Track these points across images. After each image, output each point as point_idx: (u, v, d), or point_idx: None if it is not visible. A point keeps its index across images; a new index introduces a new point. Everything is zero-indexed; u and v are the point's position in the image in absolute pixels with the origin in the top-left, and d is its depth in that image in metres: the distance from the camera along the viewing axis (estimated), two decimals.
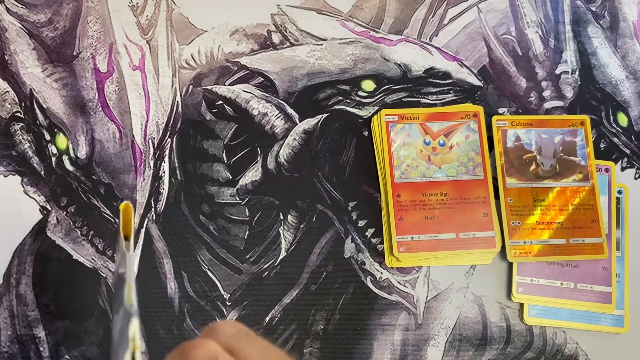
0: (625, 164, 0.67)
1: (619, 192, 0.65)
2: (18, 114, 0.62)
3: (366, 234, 0.63)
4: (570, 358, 0.62)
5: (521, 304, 0.62)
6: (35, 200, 0.61)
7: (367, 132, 0.65)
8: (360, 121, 0.65)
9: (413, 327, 0.61)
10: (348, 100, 0.65)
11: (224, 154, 0.63)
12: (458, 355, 0.61)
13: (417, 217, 0.60)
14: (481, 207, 0.61)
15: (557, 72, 0.68)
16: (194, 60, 0.65)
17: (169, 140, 0.63)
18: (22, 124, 0.62)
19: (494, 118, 0.64)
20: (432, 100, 0.66)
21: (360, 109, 0.65)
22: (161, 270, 0.61)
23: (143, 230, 0.61)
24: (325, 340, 0.61)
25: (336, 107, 0.65)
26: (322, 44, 0.66)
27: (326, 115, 0.65)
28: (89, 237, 0.60)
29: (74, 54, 0.63)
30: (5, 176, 0.61)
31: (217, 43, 0.66)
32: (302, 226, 0.63)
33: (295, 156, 0.63)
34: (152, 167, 0.62)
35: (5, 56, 0.63)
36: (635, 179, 0.67)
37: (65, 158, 0.61)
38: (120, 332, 0.33)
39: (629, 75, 0.69)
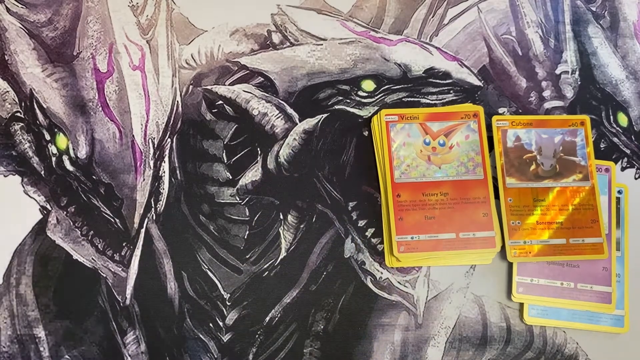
0: (625, 164, 0.67)
1: (619, 192, 0.65)
2: (18, 114, 0.62)
3: (366, 234, 0.63)
4: (570, 358, 0.62)
5: (521, 304, 0.62)
6: (35, 200, 0.61)
7: (367, 132, 0.65)
8: (360, 121, 0.65)
9: (413, 327, 0.61)
10: (348, 100, 0.65)
11: (224, 154, 0.63)
12: (458, 355, 0.61)
13: (417, 217, 0.60)
14: (481, 207, 0.61)
15: (557, 72, 0.68)
16: (194, 60, 0.65)
17: (169, 140, 0.63)
18: (22, 124, 0.62)
19: (494, 118, 0.64)
20: (432, 100, 0.66)
21: (360, 109, 0.65)
22: (161, 270, 0.61)
23: (143, 230, 0.61)
24: (325, 340, 0.61)
25: (336, 107, 0.65)
26: (322, 44, 0.66)
27: (326, 115, 0.65)
28: (89, 237, 0.61)
29: (74, 54, 0.63)
30: (5, 176, 0.61)
31: (217, 43, 0.66)
32: (302, 226, 0.63)
33: (295, 156, 0.64)
34: (152, 167, 0.62)
35: (5, 56, 0.63)
36: (636, 179, 0.67)
37: (65, 158, 0.62)
38: None
39: (629, 75, 0.69)
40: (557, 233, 0.62)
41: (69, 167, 0.61)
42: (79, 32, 0.64)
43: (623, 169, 0.67)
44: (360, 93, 0.65)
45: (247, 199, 0.63)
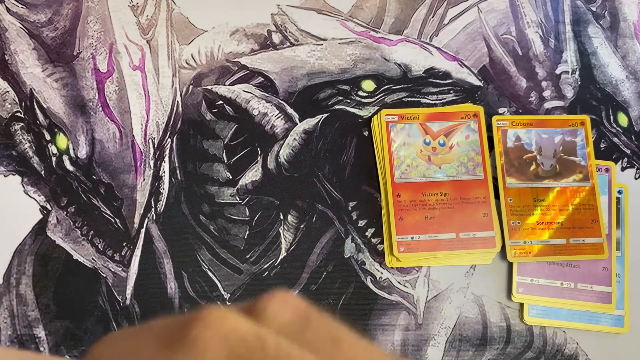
0: (626, 164, 0.67)
1: (619, 192, 0.65)
2: (18, 114, 0.62)
3: (366, 234, 0.63)
4: (570, 358, 0.62)
5: (521, 304, 0.62)
6: (35, 200, 0.61)
7: (367, 132, 0.65)
8: (360, 121, 0.65)
9: (413, 327, 0.61)
10: (348, 100, 0.65)
11: (224, 154, 0.63)
12: (458, 355, 0.61)
13: (417, 217, 0.60)
14: (481, 207, 0.61)
15: (557, 72, 0.68)
16: (194, 60, 0.65)
17: (169, 140, 0.63)
18: (22, 124, 0.62)
19: (494, 118, 0.64)
20: (432, 100, 0.66)
21: (360, 109, 0.65)
22: (161, 270, 0.61)
23: (143, 230, 0.61)
24: None
25: (336, 107, 0.65)
26: (322, 44, 0.66)
27: (326, 115, 0.65)
28: (89, 237, 0.60)
29: (74, 54, 0.63)
30: (5, 176, 0.61)
31: (217, 43, 0.66)
32: (302, 226, 0.63)
33: (295, 156, 0.64)
34: (152, 167, 0.62)
35: (6, 56, 0.63)
36: (636, 179, 0.67)
37: (65, 158, 0.61)
38: None
39: (629, 75, 0.69)
40: (557, 233, 0.62)
41: (69, 167, 0.61)
42: (79, 32, 0.64)
43: (623, 169, 0.67)
44: (360, 93, 0.65)
45: (247, 199, 0.63)
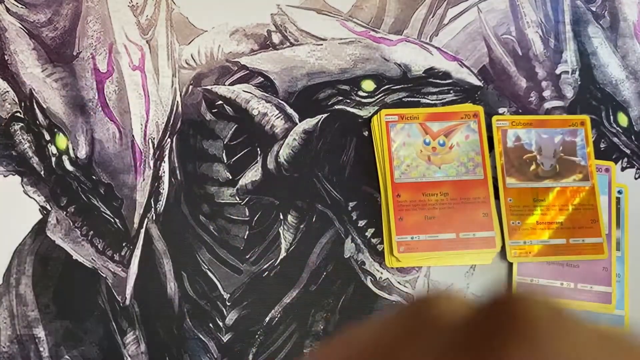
0: (625, 164, 0.67)
1: (619, 192, 0.65)
2: (18, 114, 0.62)
3: (366, 234, 0.63)
4: None
5: None
6: (35, 200, 0.61)
7: (367, 132, 0.65)
8: (360, 121, 0.65)
9: None
10: (348, 100, 0.65)
11: (223, 154, 0.63)
12: None
13: (417, 217, 0.60)
14: (481, 207, 0.61)
15: (557, 72, 0.68)
16: (194, 60, 0.65)
17: (169, 140, 0.63)
18: (22, 124, 0.62)
19: (494, 118, 0.64)
20: (432, 100, 0.66)
21: (360, 109, 0.65)
22: (161, 270, 0.61)
23: (143, 231, 0.61)
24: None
25: (336, 107, 0.65)
26: (322, 44, 0.66)
27: (326, 115, 0.65)
28: (89, 237, 0.60)
29: (74, 54, 0.63)
30: (5, 176, 0.61)
31: (217, 43, 0.66)
32: (302, 226, 0.63)
33: (295, 156, 0.63)
34: (152, 167, 0.62)
35: (5, 56, 0.63)
36: (636, 179, 0.67)
37: (65, 158, 0.61)
38: None
39: (629, 75, 0.69)
40: (557, 233, 0.61)
41: (69, 167, 0.61)
42: (78, 32, 0.64)
43: (623, 169, 0.67)
44: (360, 93, 0.65)
45: (247, 199, 0.63)
